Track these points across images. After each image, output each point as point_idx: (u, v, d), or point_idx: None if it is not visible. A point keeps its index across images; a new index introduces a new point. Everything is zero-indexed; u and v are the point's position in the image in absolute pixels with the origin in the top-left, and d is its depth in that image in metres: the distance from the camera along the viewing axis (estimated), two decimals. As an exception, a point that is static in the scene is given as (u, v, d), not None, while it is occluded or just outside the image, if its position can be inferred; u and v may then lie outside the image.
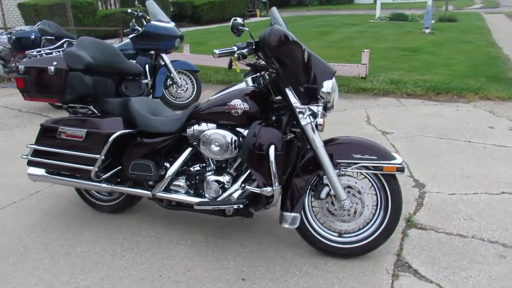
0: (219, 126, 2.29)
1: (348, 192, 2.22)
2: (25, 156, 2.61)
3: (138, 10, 5.14)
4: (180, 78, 5.27)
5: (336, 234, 2.31)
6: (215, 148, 2.24)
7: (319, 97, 2.08)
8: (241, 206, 2.22)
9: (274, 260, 2.30)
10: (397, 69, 6.93)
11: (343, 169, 2.19)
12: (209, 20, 16.93)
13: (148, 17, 5.17)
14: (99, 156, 2.40)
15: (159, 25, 5.05)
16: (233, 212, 2.31)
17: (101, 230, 2.64)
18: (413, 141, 4.01)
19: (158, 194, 2.44)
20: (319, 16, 20.74)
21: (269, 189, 2.11)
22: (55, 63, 2.52)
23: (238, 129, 2.26)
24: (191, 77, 5.46)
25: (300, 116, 2.12)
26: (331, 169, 2.14)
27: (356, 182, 2.22)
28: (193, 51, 8.87)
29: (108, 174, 2.49)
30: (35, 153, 2.58)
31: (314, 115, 2.10)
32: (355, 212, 2.22)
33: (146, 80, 5.11)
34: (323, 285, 2.09)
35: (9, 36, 5.39)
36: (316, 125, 2.08)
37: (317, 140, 2.13)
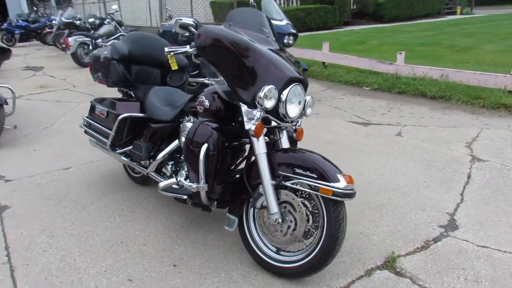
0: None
1: (285, 207, 2.05)
2: (82, 126, 3.27)
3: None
4: (287, 75, 5.36)
5: (275, 250, 2.17)
6: (183, 138, 2.39)
7: (256, 102, 1.98)
8: (185, 196, 2.32)
9: (214, 257, 2.32)
10: None
11: (283, 182, 2.03)
12: (393, 18, 15.98)
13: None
14: (111, 132, 2.84)
15: (269, 22, 5.25)
16: (192, 203, 2.41)
17: (120, 196, 3.10)
18: (503, 175, 3.18)
19: (150, 173, 2.74)
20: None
21: (194, 185, 2.15)
22: (105, 52, 3.07)
23: None
24: (300, 74, 5.49)
25: (245, 119, 2.07)
26: (266, 178, 2.02)
27: (293, 199, 2.03)
28: (344, 49, 8.78)
29: (123, 150, 2.92)
30: (87, 124, 3.21)
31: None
32: (288, 229, 2.05)
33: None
34: (232, 294, 2.04)
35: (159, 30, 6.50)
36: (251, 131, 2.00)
37: (258, 146, 2.05)
